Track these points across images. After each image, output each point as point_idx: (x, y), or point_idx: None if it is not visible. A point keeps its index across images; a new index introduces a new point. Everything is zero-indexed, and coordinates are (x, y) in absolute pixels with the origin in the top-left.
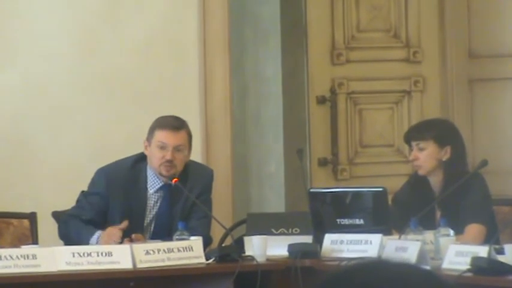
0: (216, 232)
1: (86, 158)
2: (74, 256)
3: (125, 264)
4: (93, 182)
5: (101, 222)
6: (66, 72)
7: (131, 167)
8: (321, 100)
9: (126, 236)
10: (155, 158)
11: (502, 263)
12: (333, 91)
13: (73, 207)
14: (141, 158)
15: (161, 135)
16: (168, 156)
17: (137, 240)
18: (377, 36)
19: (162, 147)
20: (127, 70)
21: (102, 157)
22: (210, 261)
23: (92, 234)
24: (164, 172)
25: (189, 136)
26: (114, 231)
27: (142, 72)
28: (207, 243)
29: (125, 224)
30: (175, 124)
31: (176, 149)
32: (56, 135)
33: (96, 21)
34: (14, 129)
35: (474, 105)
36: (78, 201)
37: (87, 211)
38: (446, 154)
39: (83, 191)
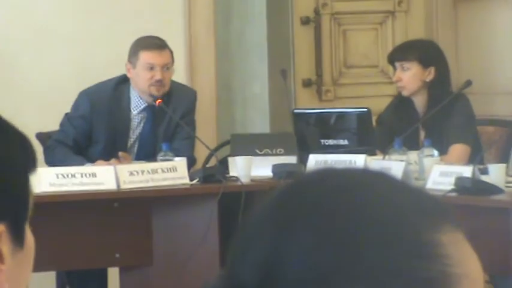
0: (200, 153)
1: (70, 79)
2: (57, 177)
3: (109, 185)
4: (77, 105)
5: (85, 144)
6: None
7: (114, 89)
8: (305, 21)
9: (111, 157)
10: (143, 80)
11: (485, 182)
12: (316, 12)
13: (57, 132)
14: (123, 80)
15: (148, 56)
16: (158, 76)
17: (124, 159)
18: None
19: (151, 68)
20: None
21: (86, 78)
22: (194, 181)
23: (81, 165)
24: (155, 92)
25: (172, 54)
26: (104, 164)
27: None
28: (191, 164)
29: (116, 161)
30: (160, 43)
31: (164, 67)
32: (39, 57)
33: None
34: None
35: (459, 26)
36: (62, 124)
37: (71, 135)
38: (430, 75)
39: (66, 114)
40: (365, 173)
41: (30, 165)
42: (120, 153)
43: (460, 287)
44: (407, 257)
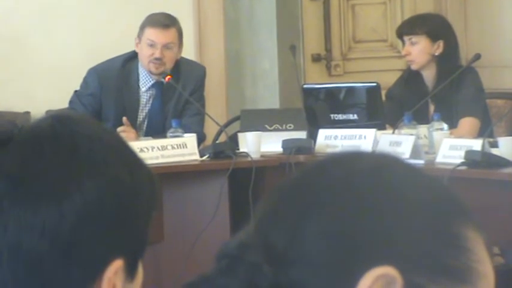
0: (210, 129)
1: (80, 56)
2: None
3: None
4: (86, 82)
5: None
6: None
7: (122, 66)
8: None
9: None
10: (144, 56)
11: (495, 156)
12: None
13: (67, 109)
14: (132, 57)
15: (150, 33)
16: (157, 54)
17: (127, 124)
18: None
19: (152, 45)
20: None
21: (96, 56)
22: (204, 158)
23: None
24: (153, 69)
25: (180, 34)
26: None
27: None
28: (200, 140)
29: (122, 128)
30: (165, 22)
31: (166, 47)
32: (50, 34)
33: None
34: (6, 28)
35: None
36: (71, 102)
37: (81, 112)
38: (438, 49)
39: (75, 91)
40: (400, 159)
41: (154, 203)
42: (124, 118)
43: (479, 284)
44: (438, 242)
